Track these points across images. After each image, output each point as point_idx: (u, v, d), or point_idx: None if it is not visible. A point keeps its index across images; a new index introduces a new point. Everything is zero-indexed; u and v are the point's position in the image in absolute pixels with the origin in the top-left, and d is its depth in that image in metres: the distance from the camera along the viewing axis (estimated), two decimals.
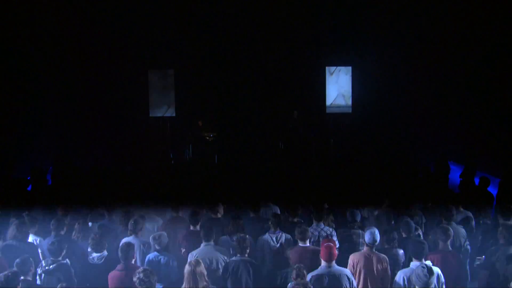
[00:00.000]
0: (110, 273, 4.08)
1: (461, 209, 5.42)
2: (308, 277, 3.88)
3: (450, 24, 9.87)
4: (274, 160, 10.59)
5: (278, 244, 4.69)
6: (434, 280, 3.72)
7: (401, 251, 4.48)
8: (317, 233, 4.85)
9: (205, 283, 3.73)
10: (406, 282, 3.91)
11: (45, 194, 7.07)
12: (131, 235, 4.70)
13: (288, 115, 11.22)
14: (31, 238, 4.87)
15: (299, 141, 10.85)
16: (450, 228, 4.43)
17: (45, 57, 10.16)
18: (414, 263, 4.00)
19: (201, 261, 3.91)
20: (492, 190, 6.45)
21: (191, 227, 4.96)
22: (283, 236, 4.78)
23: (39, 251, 4.74)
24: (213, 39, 11.71)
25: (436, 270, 3.96)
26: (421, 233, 4.94)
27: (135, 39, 11.35)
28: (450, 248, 4.37)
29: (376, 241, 4.24)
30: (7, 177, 7.84)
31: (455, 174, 8.09)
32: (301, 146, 10.80)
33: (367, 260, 4.20)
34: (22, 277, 3.79)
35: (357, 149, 11.05)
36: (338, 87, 11.07)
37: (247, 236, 4.46)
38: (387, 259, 4.25)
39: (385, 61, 11.34)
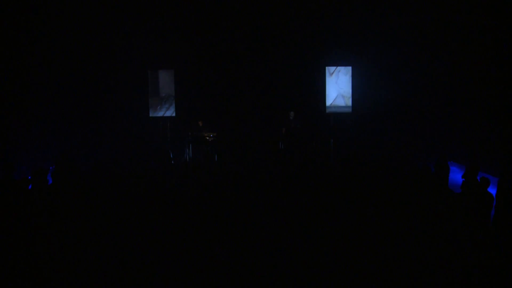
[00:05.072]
0: None
1: None
2: None
3: (450, 23, 9.88)
4: (274, 160, 10.59)
5: None
6: None
7: None
8: None
9: None
10: None
11: (45, 194, 7.06)
12: None
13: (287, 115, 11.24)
14: None
15: (296, 141, 10.85)
16: None
17: (45, 57, 10.17)
18: None
19: None
20: (492, 190, 6.45)
21: None
22: None
23: None
24: (213, 39, 11.73)
25: None
26: None
27: (135, 39, 11.38)
28: None
29: None
30: (7, 177, 7.83)
31: (455, 174, 8.10)
32: (299, 146, 10.80)
33: None
34: None
35: (357, 149, 11.06)
36: (338, 87, 11.10)
37: None
38: None
39: (385, 61, 11.37)
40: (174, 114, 11.23)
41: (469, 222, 5.34)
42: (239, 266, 4.52)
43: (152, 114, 11.23)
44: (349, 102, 11.06)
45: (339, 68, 11.11)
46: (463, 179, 7.08)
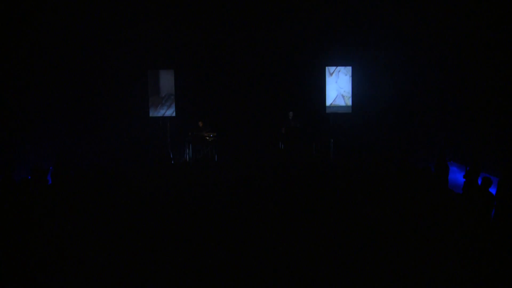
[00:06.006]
0: None
1: None
2: None
3: (450, 23, 9.88)
4: (274, 160, 10.58)
5: None
6: None
7: None
8: None
9: None
10: None
11: (45, 194, 7.07)
12: None
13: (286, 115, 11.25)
14: None
15: (296, 141, 10.85)
16: None
17: (45, 57, 10.16)
18: None
19: None
20: (492, 190, 6.45)
21: None
22: None
23: None
24: (213, 39, 11.73)
25: None
26: None
27: (135, 39, 11.38)
28: None
29: None
30: (7, 177, 7.84)
31: (455, 174, 8.10)
32: (299, 146, 10.79)
33: None
34: None
35: (357, 149, 11.07)
36: (338, 87, 11.10)
37: None
38: None
39: (385, 61, 11.37)
40: (174, 114, 11.23)
41: (470, 222, 5.34)
42: (239, 266, 4.52)
43: (152, 113, 11.23)
44: (349, 102, 11.07)
45: (339, 68, 11.11)
46: (465, 179, 7.08)
